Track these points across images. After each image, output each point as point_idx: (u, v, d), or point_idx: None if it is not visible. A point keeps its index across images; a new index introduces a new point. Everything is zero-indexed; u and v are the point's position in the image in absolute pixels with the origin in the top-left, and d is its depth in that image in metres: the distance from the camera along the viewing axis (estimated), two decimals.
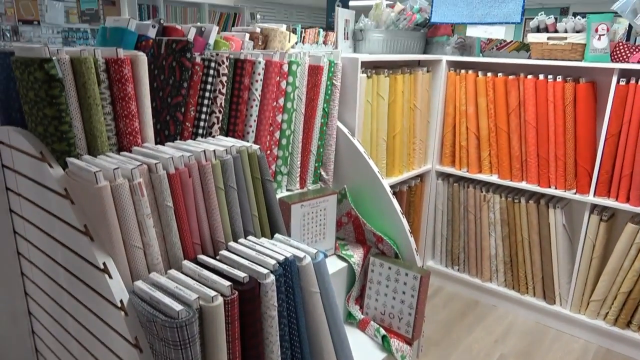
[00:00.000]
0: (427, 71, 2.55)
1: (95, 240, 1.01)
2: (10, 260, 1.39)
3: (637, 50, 2.11)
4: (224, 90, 1.43)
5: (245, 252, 1.15)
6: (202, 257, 1.13)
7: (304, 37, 2.48)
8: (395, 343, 1.67)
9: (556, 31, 2.29)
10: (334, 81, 1.82)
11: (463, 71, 2.55)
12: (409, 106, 2.44)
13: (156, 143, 1.30)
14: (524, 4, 2.30)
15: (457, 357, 2.27)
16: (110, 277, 0.98)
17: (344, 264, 1.75)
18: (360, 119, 2.03)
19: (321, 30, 2.51)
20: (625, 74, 2.12)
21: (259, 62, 1.52)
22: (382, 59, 2.21)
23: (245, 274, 1.04)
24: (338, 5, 2.34)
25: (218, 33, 1.68)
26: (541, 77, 2.30)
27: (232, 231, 1.23)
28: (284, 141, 1.69)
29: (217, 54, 1.41)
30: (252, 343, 1.05)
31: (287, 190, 1.77)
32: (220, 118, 1.45)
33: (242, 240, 1.23)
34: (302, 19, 9.05)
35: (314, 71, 1.73)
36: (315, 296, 1.20)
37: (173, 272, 1.06)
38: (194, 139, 1.37)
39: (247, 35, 1.81)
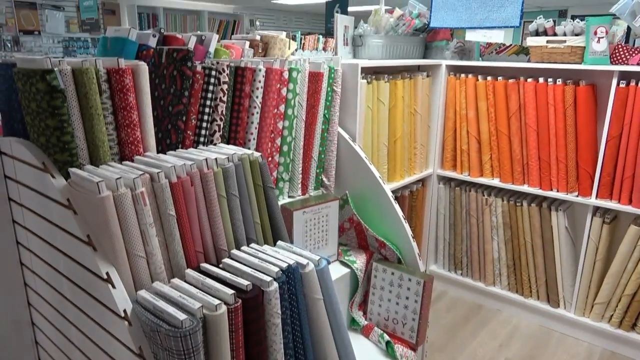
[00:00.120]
0: (427, 76, 2.55)
1: (98, 250, 1.01)
2: (13, 270, 1.39)
3: (636, 52, 2.12)
4: (225, 98, 1.44)
5: (248, 259, 1.15)
6: (205, 266, 1.13)
7: (303, 43, 2.49)
8: (399, 349, 1.66)
9: (555, 34, 2.30)
10: (334, 87, 1.83)
11: (463, 75, 2.56)
12: (410, 111, 2.44)
13: (158, 152, 1.30)
14: (523, 7, 2.31)
15: None
16: (113, 286, 0.98)
17: (347, 270, 1.75)
18: (361, 125, 2.04)
19: (321, 36, 2.52)
20: (625, 76, 2.13)
21: (260, 70, 1.52)
22: (382, 64, 2.21)
23: (249, 282, 1.04)
24: (337, 12, 2.35)
25: (218, 41, 1.68)
26: (541, 80, 2.30)
27: (234, 239, 1.23)
28: (285, 148, 1.69)
29: (217, 62, 1.41)
30: (256, 351, 1.05)
31: (289, 196, 1.77)
32: (222, 126, 1.45)
33: (244, 247, 1.23)
34: (301, 25, 9.09)
35: (315, 78, 1.73)
36: (318, 303, 1.20)
37: (176, 281, 1.06)
38: (196, 147, 1.37)
39: (247, 43, 1.81)
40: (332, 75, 1.81)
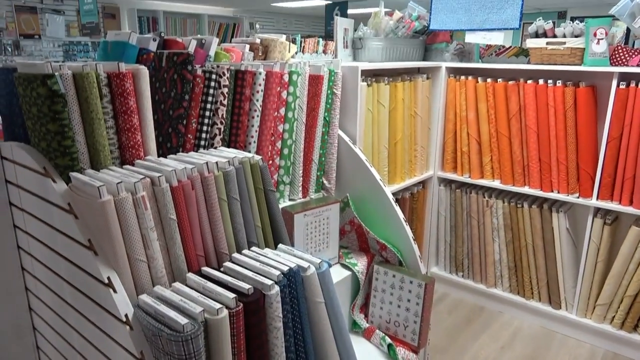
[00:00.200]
0: (427, 78, 2.55)
1: (99, 255, 1.01)
2: (15, 275, 1.39)
3: (636, 53, 2.12)
4: (225, 102, 1.44)
5: (249, 263, 1.15)
6: (206, 269, 1.13)
7: (303, 46, 2.50)
8: (401, 351, 1.66)
9: (555, 36, 2.30)
10: (334, 90, 1.83)
11: (463, 77, 2.56)
12: (410, 113, 2.45)
13: (158, 156, 1.30)
14: (522, 9, 2.31)
15: None
16: (114, 291, 0.98)
17: (348, 273, 1.74)
18: (361, 127, 2.04)
19: (320, 39, 2.52)
20: (624, 77, 2.13)
21: (260, 73, 1.53)
22: (382, 66, 2.22)
23: (250, 286, 1.04)
24: (336, 14, 2.36)
25: (218, 45, 1.69)
26: (541, 82, 2.31)
27: (235, 242, 1.23)
28: (285, 151, 1.69)
29: (217, 66, 1.41)
30: (257, 355, 1.05)
31: (290, 199, 1.77)
32: (222, 129, 1.45)
33: (245, 251, 1.23)
34: (301, 28, 9.11)
35: (315, 80, 1.74)
36: (320, 306, 1.20)
37: (177, 285, 1.06)
38: (196, 151, 1.37)
39: (247, 46, 1.82)
40: (332, 78, 1.81)
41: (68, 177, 1.09)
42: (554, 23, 2.33)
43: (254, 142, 1.57)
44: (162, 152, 1.33)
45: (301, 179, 1.78)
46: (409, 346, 1.69)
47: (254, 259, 1.17)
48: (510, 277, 2.62)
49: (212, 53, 1.61)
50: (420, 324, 1.67)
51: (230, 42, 1.97)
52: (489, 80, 2.47)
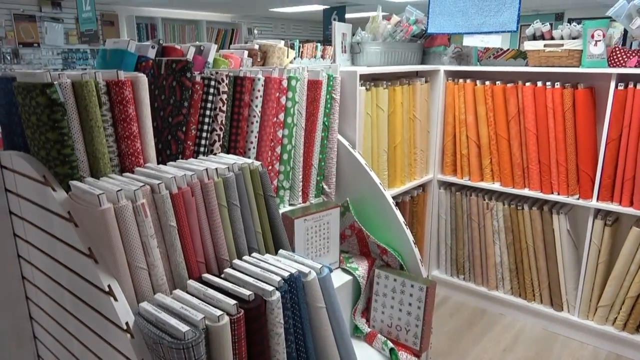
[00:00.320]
0: (426, 81, 2.56)
1: (99, 263, 1.01)
2: (15, 284, 1.38)
3: (633, 54, 2.13)
4: (224, 108, 1.44)
5: (249, 269, 1.15)
6: (207, 276, 1.13)
7: (302, 51, 2.50)
8: (403, 356, 1.65)
9: (552, 38, 2.31)
10: (333, 95, 1.83)
11: (461, 80, 2.56)
12: (409, 117, 2.45)
13: (158, 163, 1.30)
14: (519, 12, 2.32)
15: None
16: (115, 299, 0.97)
17: (349, 277, 1.74)
18: (360, 132, 2.04)
19: (319, 44, 2.53)
20: (623, 78, 2.13)
21: (259, 79, 1.53)
22: (380, 71, 2.22)
23: (251, 292, 1.04)
24: (334, 19, 2.36)
25: (216, 51, 1.69)
26: (539, 84, 2.31)
27: (236, 248, 1.23)
28: (285, 156, 1.69)
29: (216, 72, 1.42)
30: None
31: (290, 204, 1.77)
32: (222, 135, 1.45)
33: (246, 257, 1.23)
34: (299, 33, 9.13)
35: (313, 86, 1.74)
36: (321, 311, 1.20)
37: (178, 292, 1.06)
38: (196, 158, 1.38)
39: (246, 52, 1.82)
40: (331, 82, 1.81)
41: (68, 186, 1.09)
42: (551, 25, 2.34)
43: (254, 147, 1.57)
44: (162, 159, 1.33)
45: (301, 184, 1.78)
46: (411, 350, 1.69)
47: (255, 265, 1.17)
48: (512, 280, 2.61)
49: (210, 59, 1.61)
50: (422, 328, 1.67)
51: (229, 48, 1.97)
52: (487, 83, 2.48)
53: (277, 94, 1.61)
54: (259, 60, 1.92)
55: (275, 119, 1.63)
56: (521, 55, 2.51)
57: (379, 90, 2.19)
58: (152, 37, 6.76)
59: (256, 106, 1.55)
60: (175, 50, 1.52)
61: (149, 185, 1.07)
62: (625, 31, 2.21)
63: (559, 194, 2.35)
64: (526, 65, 2.44)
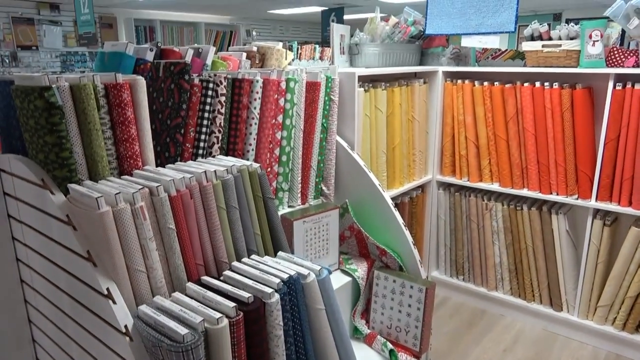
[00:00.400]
0: (424, 82, 2.56)
1: (98, 266, 1.01)
2: (14, 287, 1.38)
3: (631, 54, 2.13)
4: (222, 110, 1.44)
5: (249, 271, 1.15)
6: (206, 279, 1.13)
7: (300, 53, 2.51)
8: (402, 357, 1.65)
9: (550, 38, 2.31)
10: (331, 96, 1.84)
11: (459, 81, 2.57)
12: (407, 118, 2.45)
13: (157, 165, 1.30)
14: (517, 12, 2.33)
15: None
16: (114, 302, 0.97)
17: (349, 279, 1.74)
18: (359, 133, 2.04)
19: (317, 46, 2.53)
20: (621, 78, 2.14)
21: (257, 81, 1.53)
22: (379, 72, 2.22)
23: (250, 294, 1.04)
24: (333, 21, 2.37)
25: (215, 53, 1.69)
26: (537, 84, 2.31)
27: (235, 251, 1.23)
28: (284, 158, 1.69)
29: (215, 75, 1.42)
30: None
31: (289, 206, 1.77)
32: (220, 138, 1.45)
33: (245, 259, 1.22)
34: (298, 35, 9.14)
35: (312, 87, 1.74)
36: (320, 313, 1.20)
37: (177, 294, 1.05)
38: (195, 160, 1.38)
39: (244, 54, 1.83)
40: (329, 84, 1.82)
41: (66, 189, 1.09)
42: (549, 25, 2.35)
43: (252, 149, 1.57)
44: (161, 161, 1.33)
45: (300, 185, 1.78)
46: (411, 351, 1.69)
47: (254, 267, 1.17)
48: (511, 280, 2.61)
49: (209, 62, 1.61)
50: (422, 329, 1.67)
51: (227, 50, 1.97)
52: (485, 83, 2.48)
53: (276, 95, 1.61)
54: (257, 62, 1.92)
55: (273, 120, 1.63)
56: (519, 56, 2.52)
57: (377, 92, 2.19)
58: (151, 40, 6.76)
59: (255, 108, 1.55)
60: (174, 52, 1.53)
61: (148, 188, 1.07)
62: (623, 31, 2.21)
63: (557, 194, 2.35)
64: (524, 65, 2.45)
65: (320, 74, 1.75)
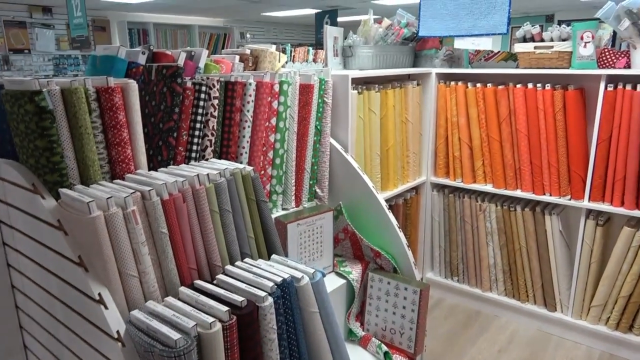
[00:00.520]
0: (417, 84, 2.57)
1: (90, 271, 1.00)
2: (5, 293, 1.37)
3: (622, 55, 2.14)
4: (215, 113, 1.44)
5: (242, 275, 1.14)
6: (199, 283, 1.12)
7: (293, 55, 2.51)
8: (397, 359, 1.65)
9: (542, 40, 2.33)
10: (325, 99, 1.84)
11: (453, 83, 2.57)
12: (401, 120, 2.46)
13: (149, 169, 1.29)
14: (510, 14, 2.34)
15: None
16: (106, 307, 0.97)
17: (343, 281, 1.74)
18: (352, 135, 2.04)
19: (310, 48, 2.53)
20: (612, 79, 2.15)
21: (250, 84, 1.53)
22: (372, 74, 2.23)
23: (243, 298, 1.03)
24: (327, 23, 2.37)
25: (208, 56, 1.69)
26: (530, 85, 2.32)
27: (228, 254, 1.22)
28: (277, 160, 1.69)
29: (207, 78, 1.41)
30: None
31: (283, 209, 1.76)
32: (213, 141, 1.45)
33: (238, 263, 1.22)
34: (291, 37, 9.15)
35: (305, 90, 1.74)
36: (314, 316, 1.19)
37: (170, 299, 1.05)
38: (187, 163, 1.37)
39: (237, 57, 1.82)
40: (323, 86, 1.82)
41: (57, 194, 1.08)
42: (541, 27, 2.36)
43: (246, 152, 1.57)
44: (153, 165, 1.32)
45: (294, 188, 1.77)
46: (405, 353, 1.69)
47: (247, 271, 1.16)
48: (505, 281, 2.62)
49: (201, 65, 1.61)
50: (416, 331, 1.67)
51: (221, 52, 1.97)
52: (478, 85, 2.49)
53: (269, 98, 1.61)
54: (250, 65, 1.92)
55: (267, 123, 1.63)
56: (512, 58, 2.53)
57: (371, 94, 2.19)
58: (144, 43, 6.74)
59: (248, 111, 1.54)
60: (166, 55, 1.52)
61: (140, 192, 1.06)
62: (615, 33, 2.23)
63: (551, 195, 2.36)
64: (517, 67, 2.46)
65: (313, 77, 1.75)
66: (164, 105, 1.31)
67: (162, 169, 1.27)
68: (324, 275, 1.23)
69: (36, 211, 1.11)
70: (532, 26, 2.37)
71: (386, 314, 1.73)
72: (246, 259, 1.24)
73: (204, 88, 1.39)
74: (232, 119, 1.50)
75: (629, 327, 2.29)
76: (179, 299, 1.06)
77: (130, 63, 1.40)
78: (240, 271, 1.16)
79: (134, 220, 1.02)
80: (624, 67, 2.14)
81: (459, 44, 2.52)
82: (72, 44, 5.78)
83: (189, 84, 1.36)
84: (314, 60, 2.60)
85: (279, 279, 1.12)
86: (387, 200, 2.33)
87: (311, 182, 1.85)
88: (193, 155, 1.39)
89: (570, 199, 2.31)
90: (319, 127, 1.84)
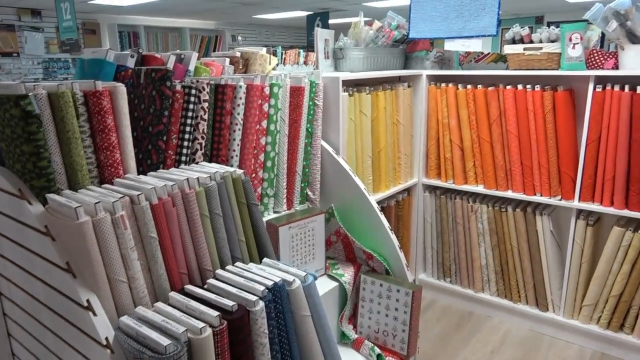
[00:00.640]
0: (408, 86, 2.57)
1: (77, 277, 0.99)
2: None
3: (610, 56, 2.16)
4: (205, 117, 1.43)
5: (233, 279, 1.13)
6: (190, 287, 1.11)
7: (284, 58, 2.50)
8: None
9: (531, 42, 2.34)
10: (316, 101, 1.83)
11: (443, 84, 2.58)
12: (392, 121, 2.46)
13: (139, 173, 1.28)
14: (499, 16, 2.35)
15: None
16: (94, 314, 0.95)
17: (335, 284, 1.73)
18: (344, 137, 2.04)
19: (301, 51, 2.53)
20: (601, 80, 2.17)
21: (240, 87, 1.52)
22: (363, 76, 2.23)
23: (234, 303, 1.03)
24: (318, 25, 2.37)
25: (198, 59, 1.68)
26: (520, 87, 2.34)
27: (219, 258, 1.21)
28: (268, 163, 1.68)
29: (197, 81, 1.41)
30: None
31: (274, 212, 1.76)
32: (203, 144, 1.44)
33: (229, 267, 1.21)
34: (283, 39, 9.15)
35: (296, 92, 1.74)
36: (306, 320, 1.19)
37: (160, 304, 1.04)
38: (178, 167, 1.36)
39: (228, 60, 1.82)
40: (314, 89, 1.81)
41: (44, 199, 1.07)
42: (530, 29, 2.38)
43: (237, 155, 1.56)
44: (143, 169, 1.31)
45: (285, 191, 1.77)
46: (398, 355, 1.68)
47: (238, 275, 1.15)
48: (498, 281, 2.63)
49: (191, 68, 1.60)
50: (409, 333, 1.67)
51: (211, 55, 1.96)
52: (469, 86, 2.50)
53: (260, 101, 1.61)
54: (240, 67, 1.91)
55: (257, 126, 1.62)
56: (502, 59, 2.54)
57: (361, 96, 2.19)
58: (135, 46, 6.71)
59: (238, 114, 1.54)
60: (156, 59, 1.51)
61: (129, 197, 1.05)
62: (603, 34, 2.25)
63: (541, 195, 2.38)
64: (507, 68, 2.47)
65: (304, 79, 1.75)
66: (153, 108, 1.30)
67: (151, 173, 1.26)
68: (315, 278, 1.23)
69: (23, 217, 1.09)
70: (522, 28, 2.39)
71: (379, 316, 1.73)
72: (237, 263, 1.24)
73: (193, 91, 1.38)
74: (223, 122, 1.49)
75: (619, 326, 2.30)
76: (169, 304, 1.05)
77: (119, 66, 1.39)
78: (231, 275, 1.15)
79: (122, 226, 1.01)
80: (612, 68, 2.16)
81: (449, 45, 2.54)
82: (61, 47, 5.73)
83: (178, 87, 1.35)
84: (305, 63, 2.60)
85: (270, 283, 1.11)
86: (379, 202, 2.33)
87: (303, 185, 1.85)
88: (183, 158, 1.39)
89: (560, 199, 2.33)
90: (310, 130, 1.83)
